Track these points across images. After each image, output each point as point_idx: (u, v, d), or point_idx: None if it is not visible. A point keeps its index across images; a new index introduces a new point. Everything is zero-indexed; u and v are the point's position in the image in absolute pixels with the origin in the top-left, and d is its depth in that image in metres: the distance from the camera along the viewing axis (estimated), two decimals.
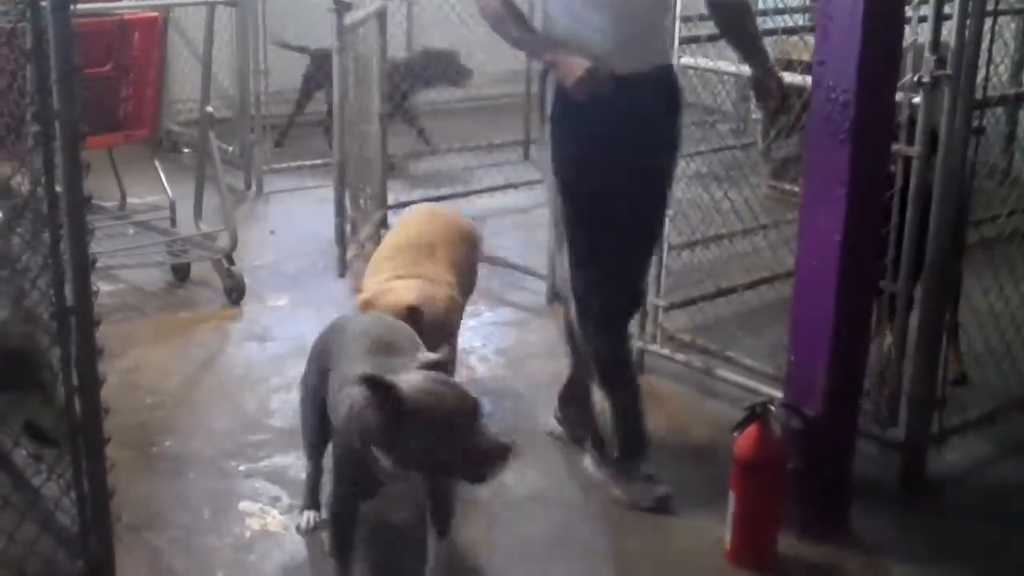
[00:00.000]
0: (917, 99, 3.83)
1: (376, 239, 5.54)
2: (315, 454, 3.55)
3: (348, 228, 5.67)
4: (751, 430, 3.47)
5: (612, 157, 3.64)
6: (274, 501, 3.76)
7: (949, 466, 4.13)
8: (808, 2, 6.53)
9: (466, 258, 4.40)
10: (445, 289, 4.01)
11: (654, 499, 3.78)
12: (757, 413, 3.46)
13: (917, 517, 3.83)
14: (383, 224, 6.33)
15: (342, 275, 5.50)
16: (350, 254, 5.55)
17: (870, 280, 3.77)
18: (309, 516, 3.59)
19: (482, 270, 5.89)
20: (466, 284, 4.34)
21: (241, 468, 3.95)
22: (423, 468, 2.92)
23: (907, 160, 3.94)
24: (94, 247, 3.07)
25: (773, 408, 3.53)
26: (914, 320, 3.97)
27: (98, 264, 3.00)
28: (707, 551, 3.57)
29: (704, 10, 4.00)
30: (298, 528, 3.59)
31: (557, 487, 3.92)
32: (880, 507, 3.86)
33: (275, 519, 3.69)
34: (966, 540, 3.73)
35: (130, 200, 6.10)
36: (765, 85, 3.87)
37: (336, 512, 3.18)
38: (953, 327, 4.51)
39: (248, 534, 3.63)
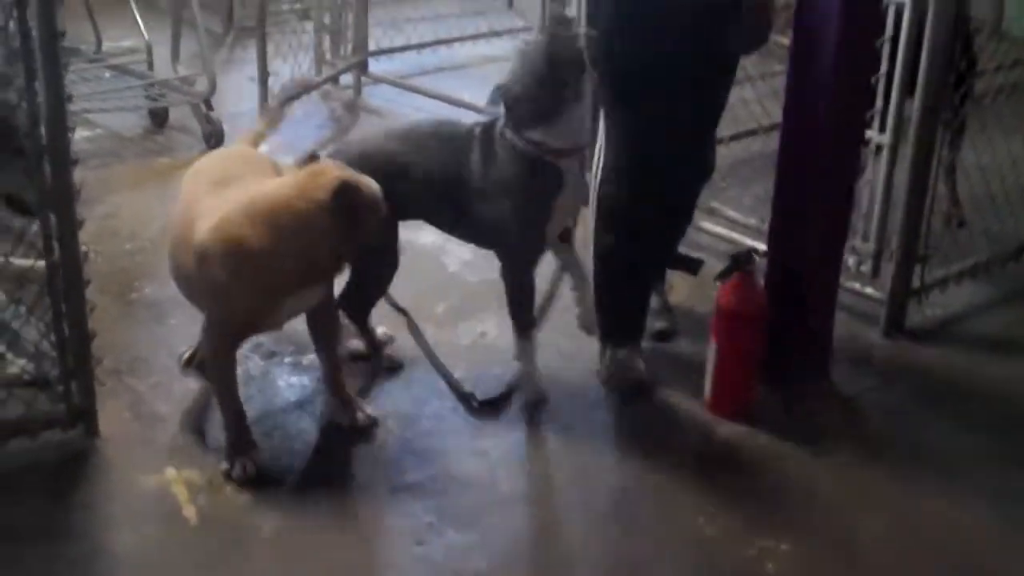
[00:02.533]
0: None
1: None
2: None
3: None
4: (734, 280, 3.46)
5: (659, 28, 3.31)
6: (256, 347, 3.75)
7: (930, 320, 4.16)
8: None
9: None
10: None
11: (627, 382, 3.67)
12: (740, 263, 3.45)
13: (896, 370, 3.86)
14: (363, 70, 6.24)
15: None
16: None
17: (858, 131, 3.73)
18: None
19: (471, 117, 5.85)
20: None
21: None
22: None
23: (899, 8, 3.87)
24: (70, 90, 3.01)
25: (757, 258, 3.51)
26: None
27: (74, 108, 2.94)
28: (686, 401, 3.59)
29: None
30: None
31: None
32: (860, 360, 3.89)
33: (256, 364, 3.69)
34: (943, 393, 3.76)
35: (105, 44, 5.95)
36: None
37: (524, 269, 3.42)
38: (951, 167, 4.47)
39: None
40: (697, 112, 3.51)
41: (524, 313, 3.46)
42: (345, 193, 3.00)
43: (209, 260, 3.03)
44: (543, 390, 3.52)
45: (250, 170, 3.32)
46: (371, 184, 3.09)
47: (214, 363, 3.24)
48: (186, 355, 3.63)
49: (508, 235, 3.37)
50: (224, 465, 3.17)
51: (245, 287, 3.04)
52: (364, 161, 3.32)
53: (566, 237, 3.53)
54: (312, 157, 3.18)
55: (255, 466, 3.17)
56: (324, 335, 3.38)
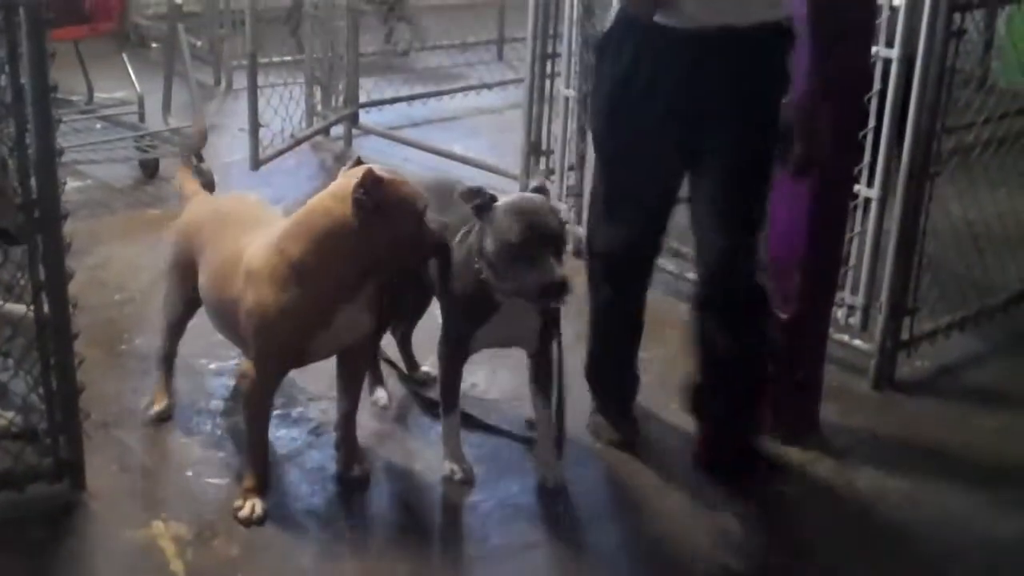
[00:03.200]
0: (898, 1, 3.79)
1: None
2: None
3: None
4: None
5: (642, 129, 3.21)
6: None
7: (919, 372, 4.16)
8: None
9: None
10: None
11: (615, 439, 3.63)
12: None
13: (886, 422, 3.86)
14: (354, 122, 6.27)
15: (254, 167, 5.49)
16: None
17: (847, 183, 3.75)
18: None
19: (460, 169, 5.89)
20: None
21: (211, 367, 3.93)
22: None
23: (886, 63, 3.90)
24: (61, 142, 3.02)
25: None
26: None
27: (65, 159, 2.95)
28: (679, 452, 3.59)
29: None
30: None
31: None
32: (850, 411, 3.89)
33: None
34: (933, 446, 3.75)
35: (97, 95, 5.98)
36: None
37: (448, 354, 3.33)
38: None
39: (219, 432, 3.61)
40: (658, 198, 3.36)
41: (444, 395, 3.39)
42: (371, 185, 2.92)
43: (255, 278, 3.06)
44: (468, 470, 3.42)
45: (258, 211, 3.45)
46: (406, 183, 3.03)
47: (252, 398, 3.21)
48: (155, 409, 3.63)
49: (444, 323, 3.35)
50: (236, 503, 3.18)
51: (292, 301, 3.01)
52: None
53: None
54: (357, 161, 3.12)
55: (264, 509, 3.18)
56: (353, 375, 3.34)
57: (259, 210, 3.48)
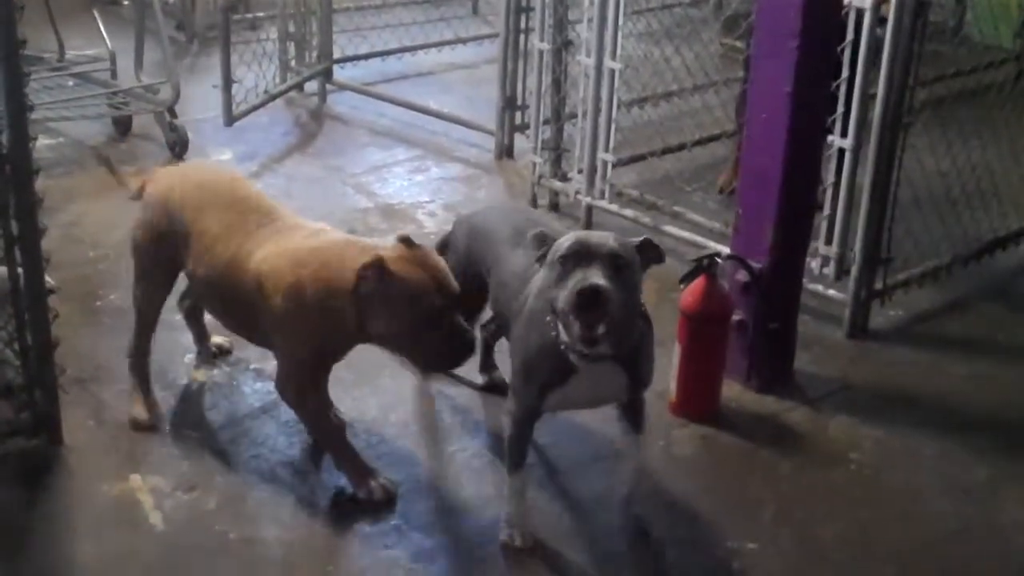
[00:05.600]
0: None
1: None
2: None
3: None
4: (698, 282, 3.48)
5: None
6: (221, 353, 3.75)
7: (892, 321, 4.20)
8: None
9: None
10: None
11: None
12: (704, 266, 3.47)
13: (859, 370, 3.89)
14: (328, 78, 6.24)
15: (228, 124, 5.43)
16: None
17: (820, 134, 3.76)
18: None
19: (435, 125, 5.88)
20: None
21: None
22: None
23: (859, 12, 3.90)
24: (32, 99, 3.00)
25: (720, 261, 3.54)
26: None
27: (37, 116, 2.93)
28: (652, 403, 3.59)
29: None
30: None
31: None
32: (825, 360, 3.92)
33: (221, 371, 3.69)
34: (906, 393, 3.79)
35: (69, 52, 5.93)
36: None
37: (518, 417, 2.96)
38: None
39: (194, 386, 3.62)
40: None
41: (510, 455, 3.01)
42: (375, 273, 2.86)
43: (275, 286, 3.01)
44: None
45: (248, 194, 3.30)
46: (421, 281, 2.87)
47: (303, 404, 3.15)
48: (140, 419, 3.40)
49: (512, 381, 3.01)
50: (361, 494, 3.11)
51: (314, 322, 2.98)
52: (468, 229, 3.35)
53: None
54: (407, 241, 2.95)
55: (391, 482, 3.15)
56: None
57: (243, 187, 3.34)
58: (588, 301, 2.57)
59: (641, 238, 2.79)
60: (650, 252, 2.79)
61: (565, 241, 2.69)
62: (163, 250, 3.32)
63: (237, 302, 3.15)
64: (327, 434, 3.19)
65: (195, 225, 3.21)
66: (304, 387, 3.10)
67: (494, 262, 3.18)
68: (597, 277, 2.58)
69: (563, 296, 2.61)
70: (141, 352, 3.46)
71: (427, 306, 2.85)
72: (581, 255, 2.63)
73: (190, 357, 3.75)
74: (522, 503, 3.02)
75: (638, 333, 2.81)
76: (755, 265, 3.60)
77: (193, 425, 3.43)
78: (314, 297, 2.95)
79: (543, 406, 2.91)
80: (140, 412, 3.40)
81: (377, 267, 2.84)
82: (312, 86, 6.26)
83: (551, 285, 2.68)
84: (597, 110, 4.69)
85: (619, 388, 2.89)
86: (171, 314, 3.87)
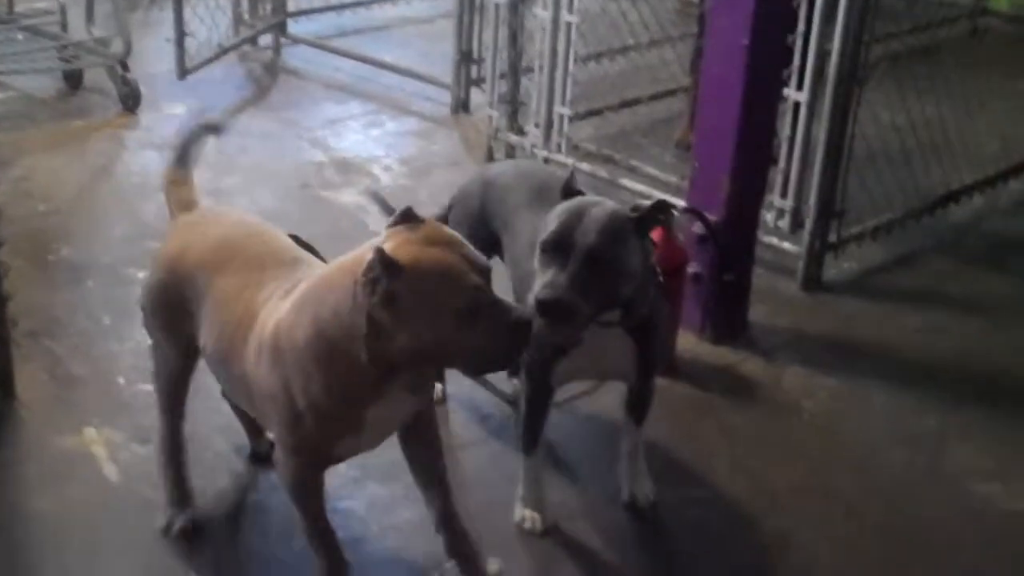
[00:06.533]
0: None
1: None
2: None
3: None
4: (653, 234, 3.47)
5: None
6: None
7: (846, 273, 4.23)
8: None
9: None
10: None
11: None
12: (659, 216, 3.45)
13: (814, 322, 3.93)
14: (282, 32, 6.18)
15: (180, 77, 5.39)
16: None
17: (776, 87, 3.77)
18: None
19: (391, 79, 5.84)
20: None
21: (140, 275, 3.86)
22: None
23: None
24: None
25: (676, 213, 3.54)
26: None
27: None
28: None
29: None
30: None
31: None
32: (779, 312, 3.95)
33: None
34: (858, 344, 3.83)
35: (18, 5, 5.84)
36: None
37: (530, 392, 2.89)
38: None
39: (148, 340, 3.58)
40: None
41: (525, 436, 2.95)
42: (384, 271, 2.18)
43: (269, 352, 2.40)
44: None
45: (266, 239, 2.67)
46: (448, 261, 2.24)
47: (293, 489, 2.55)
48: (176, 525, 2.83)
49: (524, 363, 2.87)
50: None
51: (312, 393, 2.34)
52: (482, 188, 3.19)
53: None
54: (407, 214, 2.32)
55: None
56: (422, 457, 2.71)
57: (268, 241, 2.67)
58: (545, 310, 2.50)
59: (654, 201, 2.75)
60: (660, 213, 2.75)
61: (552, 221, 2.59)
62: (168, 313, 2.73)
63: (235, 375, 2.56)
64: (318, 525, 2.62)
65: (210, 288, 2.59)
66: (310, 475, 2.56)
67: (509, 230, 3.08)
68: (560, 284, 2.50)
69: (530, 296, 2.55)
70: (171, 447, 2.87)
71: (465, 289, 2.23)
72: (560, 246, 2.55)
73: None
74: (538, 487, 2.96)
75: (647, 305, 2.73)
76: (711, 218, 3.61)
77: (147, 379, 3.39)
78: (303, 341, 2.31)
79: (552, 379, 2.85)
80: (175, 515, 2.83)
81: (383, 262, 2.17)
82: (266, 40, 6.21)
83: (536, 270, 2.60)
84: (554, 64, 4.68)
85: (627, 361, 2.82)
86: (124, 267, 3.84)
